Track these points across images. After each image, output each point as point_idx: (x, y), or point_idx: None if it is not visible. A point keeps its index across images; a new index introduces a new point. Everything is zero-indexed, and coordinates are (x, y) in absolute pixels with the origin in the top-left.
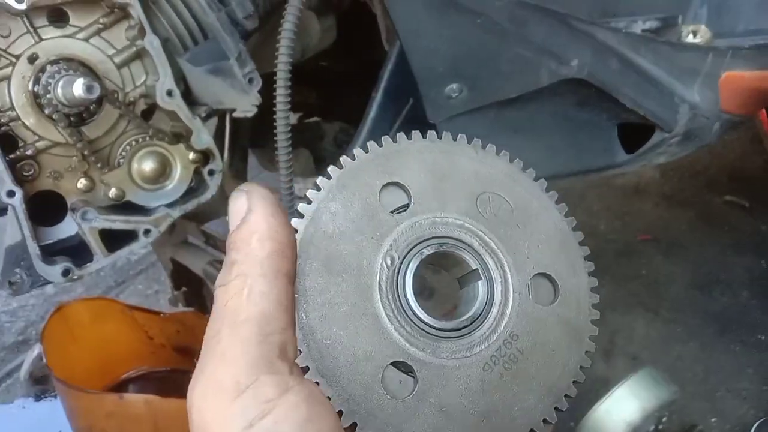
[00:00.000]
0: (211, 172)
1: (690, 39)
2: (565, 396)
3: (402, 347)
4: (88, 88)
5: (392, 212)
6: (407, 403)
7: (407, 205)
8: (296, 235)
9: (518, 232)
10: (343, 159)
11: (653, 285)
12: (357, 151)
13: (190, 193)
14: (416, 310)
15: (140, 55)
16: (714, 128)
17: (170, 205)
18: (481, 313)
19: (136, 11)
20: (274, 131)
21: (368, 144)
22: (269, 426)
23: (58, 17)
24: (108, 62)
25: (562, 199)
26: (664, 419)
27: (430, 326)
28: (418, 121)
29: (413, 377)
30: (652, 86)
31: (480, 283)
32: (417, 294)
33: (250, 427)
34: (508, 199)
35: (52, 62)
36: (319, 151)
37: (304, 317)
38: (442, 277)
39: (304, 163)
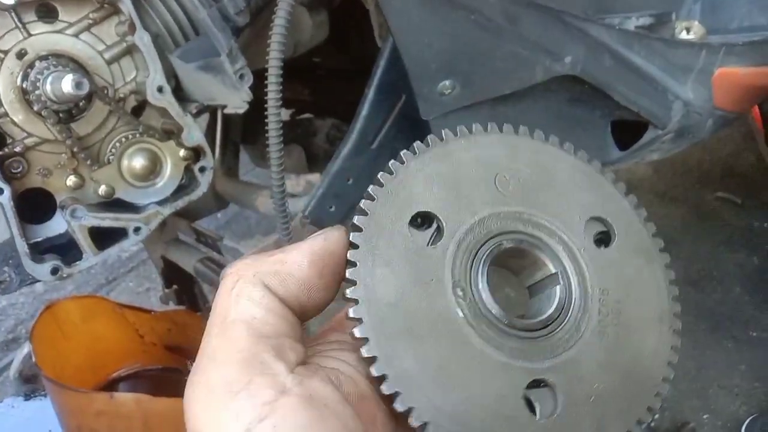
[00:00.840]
0: (202, 169)
1: (683, 35)
2: (656, 394)
3: (525, 367)
4: (77, 85)
5: (430, 244)
6: (562, 415)
7: (439, 228)
8: (361, 316)
9: (549, 192)
10: (357, 219)
11: None
12: (364, 203)
13: (180, 190)
14: (516, 324)
15: (130, 51)
16: (707, 125)
17: (161, 203)
18: (566, 291)
19: (127, 7)
20: (266, 128)
21: (370, 190)
22: (267, 430)
23: (47, 12)
24: (98, 58)
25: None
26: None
27: (536, 332)
28: (410, 118)
29: (551, 389)
30: (645, 83)
31: (548, 263)
32: (502, 307)
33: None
34: (522, 167)
35: (41, 58)
36: (311, 148)
37: (424, 399)
38: (502, 278)
39: (296, 159)
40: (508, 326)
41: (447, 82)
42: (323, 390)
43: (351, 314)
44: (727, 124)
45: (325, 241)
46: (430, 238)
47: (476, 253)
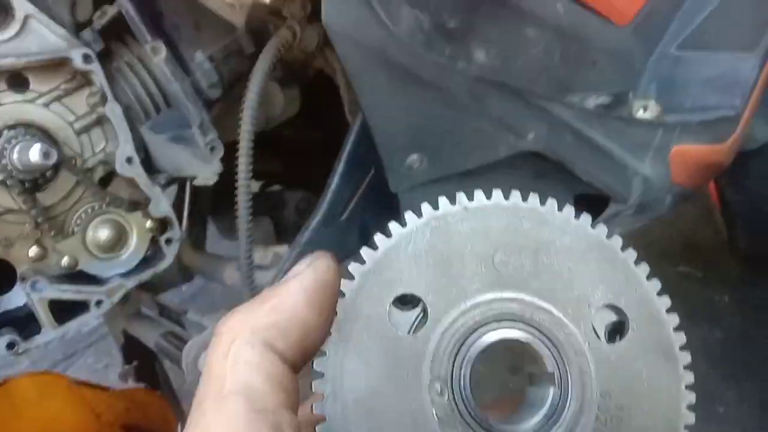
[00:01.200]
0: (168, 241)
1: (641, 114)
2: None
3: None
4: (45, 154)
5: (412, 331)
6: None
7: (425, 312)
8: (325, 412)
9: (556, 273)
10: (339, 302)
11: None
12: (344, 284)
13: (146, 262)
14: (499, 429)
15: (101, 121)
16: (667, 200)
17: (125, 275)
18: (560, 395)
19: (99, 78)
20: (235, 200)
21: (350, 269)
22: None
23: (18, 82)
24: (68, 128)
25: None
26: None
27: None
28: (379, 190)
29: None
30: (605, 159)
31: (546, 361)
32: (485, 409)
33: None
34: (524, 242)
35: (9, 127)
36: (280, 220)
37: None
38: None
39: (264, 231)
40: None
41: (415, 156)
42: None
43: (315, 410)
44: (685, 198)
45: (315, 272)
46: (413, 324)
47: (463, 344)
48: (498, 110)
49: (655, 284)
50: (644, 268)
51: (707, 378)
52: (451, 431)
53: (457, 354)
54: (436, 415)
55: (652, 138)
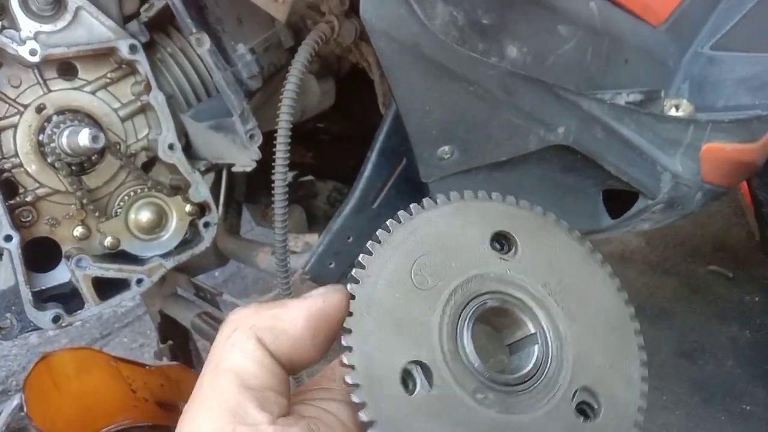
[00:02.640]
0: (206, 225)
1: (672, 112)
2: None
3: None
4: (94, 138)
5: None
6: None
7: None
8: (353, 363)
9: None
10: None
11: None
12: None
13: (184, 244)
14: (496, 378)
15: (144, 109)
16: (696, 197)
17: (164, 256)
18: (543, 351)
19: (144, 68)
20: (271, 188)
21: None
22: None
23: (67, 70)
24: (112, 115)
25: None
26: None
27: (514, 387)
28: (410, 180)
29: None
30: (635, 155)
31: (528, 323)
32: (484, 362)
33: None
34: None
35: (59, 113)
36: (311, 209)
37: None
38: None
39: (296, 219)
40: (488, 380)
41: (446, 148)
42: None
43: (344, 361)
44: (716, 197)
45: (323, 302)
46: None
47: (463, 309)
48: (529, 104)
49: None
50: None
51: (736, 377)
52: (457, 377)
53: (459, 316)
54: (446, 363)
55: (684, 135)
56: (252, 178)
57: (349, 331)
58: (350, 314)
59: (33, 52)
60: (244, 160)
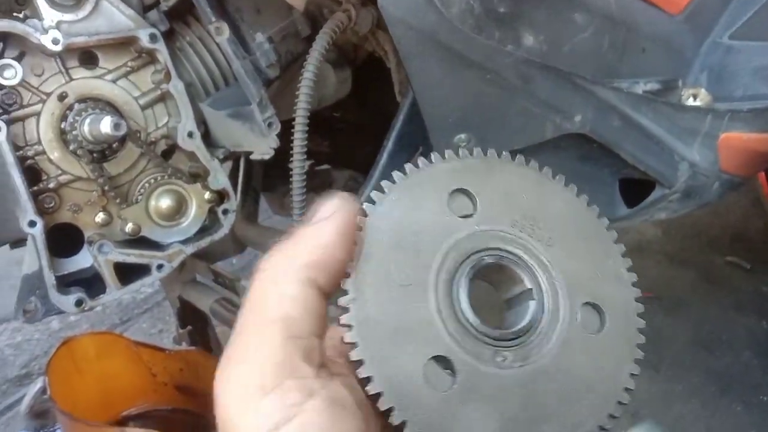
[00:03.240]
0: (225, 212)
1: (690, 101)
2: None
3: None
4: (116, 126)
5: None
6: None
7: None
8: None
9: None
10: (421, 160)
11: (655, 342)
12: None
13: (203, 231)
14: (489, 333)
15: (164, 97)
16: (714, 187)
17: (184, 242)
18: (527, 331)
19: (164, 57)
20: (288, 176)
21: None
22: (295, 429)
23: (88, 59)
24: (133, 103)
25: None
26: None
27: (509, 341)
28: None
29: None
30: (652, 143)
31: (524, 279)
32: (470, 294)
33: (276, 429)
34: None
35: (80, 101)
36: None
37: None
38: (492, 289)
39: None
40: (482, 334)
41: (462, 136)
42: (343, 393)
43: (342, 321)
44: (734, 188)
45: (346, 215)
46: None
47: (452, 283)
48: (545, 92)
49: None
50: (628, 262)
51: (753, 368)
52: (452, 332)
53: (456, 271)
54: (437, 275)
55: (701, 124)
56: (269, 167)
57: (356, 345)
58: (350, 327)
59: (55, 41)
60: (263, 148)
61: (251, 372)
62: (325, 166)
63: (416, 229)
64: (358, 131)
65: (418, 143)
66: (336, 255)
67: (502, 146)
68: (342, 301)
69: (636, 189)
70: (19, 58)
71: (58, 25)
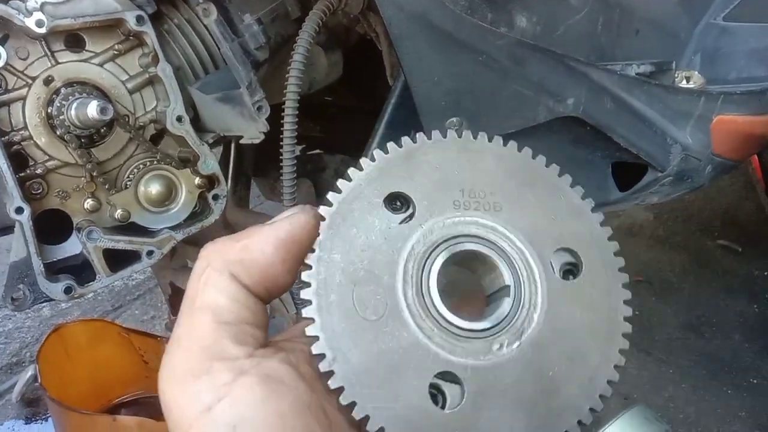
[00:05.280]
0: (215, 197)
1: (683, 84)
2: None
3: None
4: (102, 110)
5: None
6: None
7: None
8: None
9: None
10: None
11: (646, 326)
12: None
13: (194, 216)
14: (454, 322)
15: (152, 81)
16: (706, 170)
17: (174, 228)
18: (513, 304)
19: (151, 39)
20: (279, 161)
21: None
22: (226, 408)
23: (74, 42)
24: (121, 87)
25: None
26: None
27: (461, 328)
28: None
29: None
30: (645, 126)
31: (504, 274)
32: (444, 297)
33: (208, 410)
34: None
35: (67, 85)
36: (320, 182)
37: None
38: (465, 275)
39: (305, 192)
40: (470, 332)
41: (454, 119)
42: (280, 369)
43: (333, 385)
44: (726, 171)
45: (290, 225)
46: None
47: (422, 273)
48: (538, 74)
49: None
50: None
51: (743, 351)
52: (417, 315)
53: (429, 257)
54: (407, 303)
55: (694, 107)
56: (260, 152)
57: (354, 404)
58: (342, 389)
59: (40, 24)
60: (252, 133)
61: (182, 358)
62: (317, 151)
63: (365, 257)
64: (351, 115)
65: (410, 127)
66: (265, 260)
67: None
68: (323, 365)
69: (628, 173)
70: (2, 42)
71: (42, 7)
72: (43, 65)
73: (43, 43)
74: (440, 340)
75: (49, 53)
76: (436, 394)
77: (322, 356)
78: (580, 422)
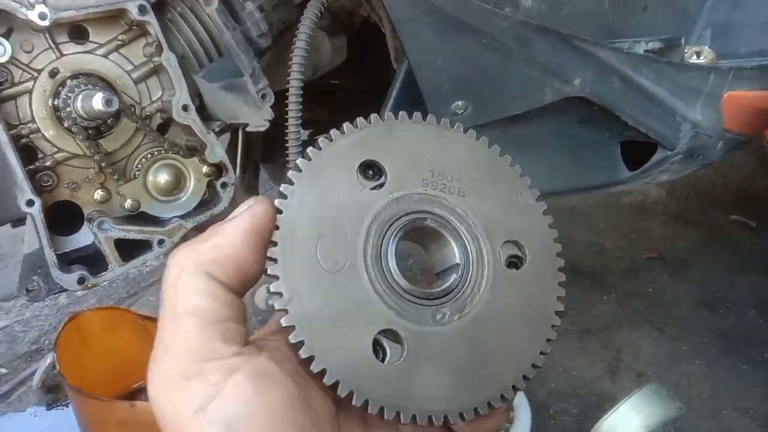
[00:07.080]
0: (224, 185)
1: (693, 60)
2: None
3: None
4: (108, 102)
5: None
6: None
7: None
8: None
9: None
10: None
11: (659, 303)
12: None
13: (203, 205)
14: (408, 289)
15: (157, 71)
16: (717, 147)
17: (184, 216)
18: (460, 280)
19: (154, 29)
20: (285, 146)
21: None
22: (218, 406)
23: (78, 34)
24: (126, 78)
25: (569, 217)
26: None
27: (410, 293)
28: None
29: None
30: (653, 105)
31: (456, 254)
32: (399, 263)
33: (201, 410)
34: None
35: (72, 77)
36: None
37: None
38: (421, 250)
39: None
40: (419, 298)
41: (460, 103)
42: (267, 365)
43: (284, 323)
44: (738, 146)
45: (250, 217)
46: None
47: (383, 236)
48: (544, 55)
49: (548, 219)
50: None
51: (757, 327)
52: (373, 276)
53: (389, 228)
54: (364, 252)
55: (704, 83)
56: (268, 138)
57: (302, 344)
58: (293, 329)
59: (43, 16)
60: (257, 120)
61: (172, 363)
62: (325, 135)
63: (333, 213)
64: (358, 99)
65: (415, 111)
66: (237, 253)
67: (500, 112)
68: (278, 303)
69: (638, 152)
70: (6, 35)
71: (44, 0)
72: (48, 58)
73: (47, 35)
74: (390, 300)
75: (53, 45)
76: (378, 349)
77: (278, 294)
78: (502, 396)
